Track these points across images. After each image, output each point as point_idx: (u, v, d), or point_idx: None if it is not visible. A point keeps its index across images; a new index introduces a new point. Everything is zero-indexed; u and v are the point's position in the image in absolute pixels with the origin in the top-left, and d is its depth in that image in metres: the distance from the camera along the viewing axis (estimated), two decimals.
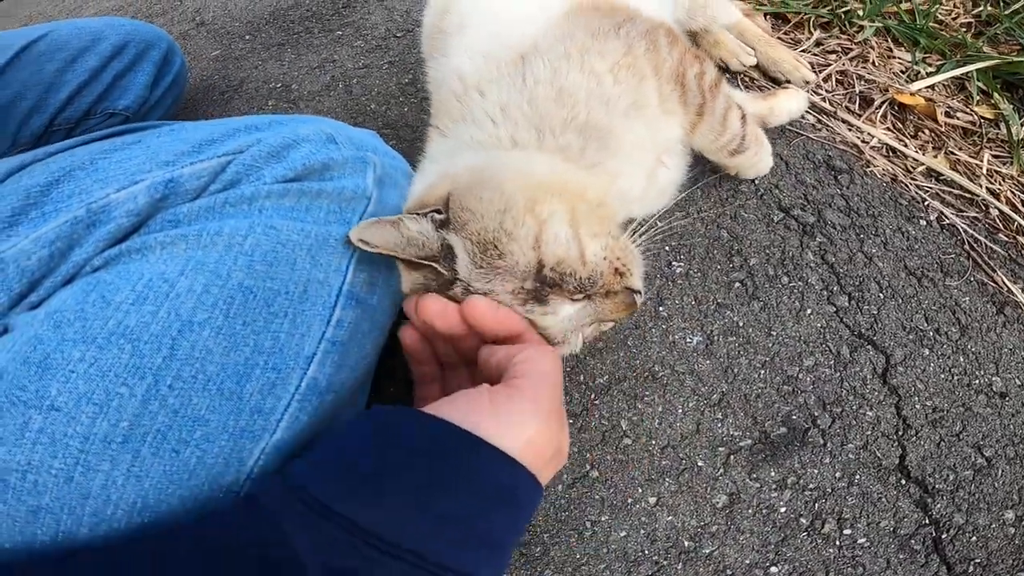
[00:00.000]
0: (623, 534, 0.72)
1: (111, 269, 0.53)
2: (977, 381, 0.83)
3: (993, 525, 0.74)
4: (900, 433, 0.78)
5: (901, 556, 0.71)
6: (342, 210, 0.62)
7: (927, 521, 0.73)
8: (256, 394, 0.50)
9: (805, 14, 1.26)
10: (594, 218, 0.63)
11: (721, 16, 1.10)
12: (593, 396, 0.80)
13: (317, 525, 0.40)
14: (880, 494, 0.75)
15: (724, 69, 1.16)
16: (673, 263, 0.88)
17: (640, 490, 0.74)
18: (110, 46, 1.06)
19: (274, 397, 0.51)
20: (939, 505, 0.74)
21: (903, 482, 0.76)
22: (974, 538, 0.73)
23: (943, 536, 0.72)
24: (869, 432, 0.78)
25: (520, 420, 0.48)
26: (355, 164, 0.66)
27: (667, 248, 0.89)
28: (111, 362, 0.47)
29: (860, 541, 0.72)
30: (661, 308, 0.86)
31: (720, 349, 0.83)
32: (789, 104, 1.01)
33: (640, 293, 0.64)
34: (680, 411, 0.79)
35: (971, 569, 0.71)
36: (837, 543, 0.72)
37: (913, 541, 0.72)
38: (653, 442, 0.77)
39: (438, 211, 0.60)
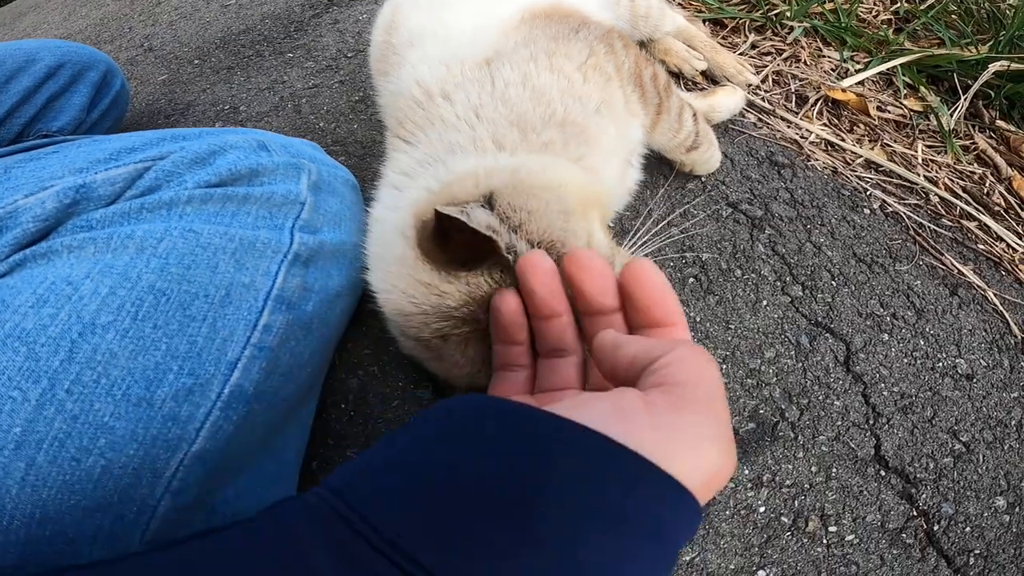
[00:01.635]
0: None
1: (15, 274, 0.51)
2: (941, 364, 0.82)
3: (985, 514, 0.72)
4: (871, 422, 0.77)
5: (894, 551, 0.69)
6: (272, 215, 0.61)
7: (915, 513, 0.71)
8: (170, 400, 0.47)
9: (740, 19, 1.31)
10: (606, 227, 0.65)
11: (663, 24, 1.13)
12: None
13: None
14: (860, 487, 0.72)
15: (678, 76, 1.19)
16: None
17: None
18: (44, 67, 1.04)
19: (191, 404, 0.48)
20: (924, 495, 0.72)
21: (882, 473, 0.73)
22: (968, 528, 0.70)
23: (935, 528, 0.70)
24: (839, 423, 0.76)
25: (698, 443, 0.34)
26: (287, 170, 0.65)
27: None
28: (4, 365, 0.44)
29: (848, 538, 0.69)
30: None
31: None
32: (728, 101, 1.04)
33: None
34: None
35: (971, 561, 0.68)
36: (824, 541, 0.69)
37: (904, 535, 0.70)
38: None
39: (482, 206, 0.55)
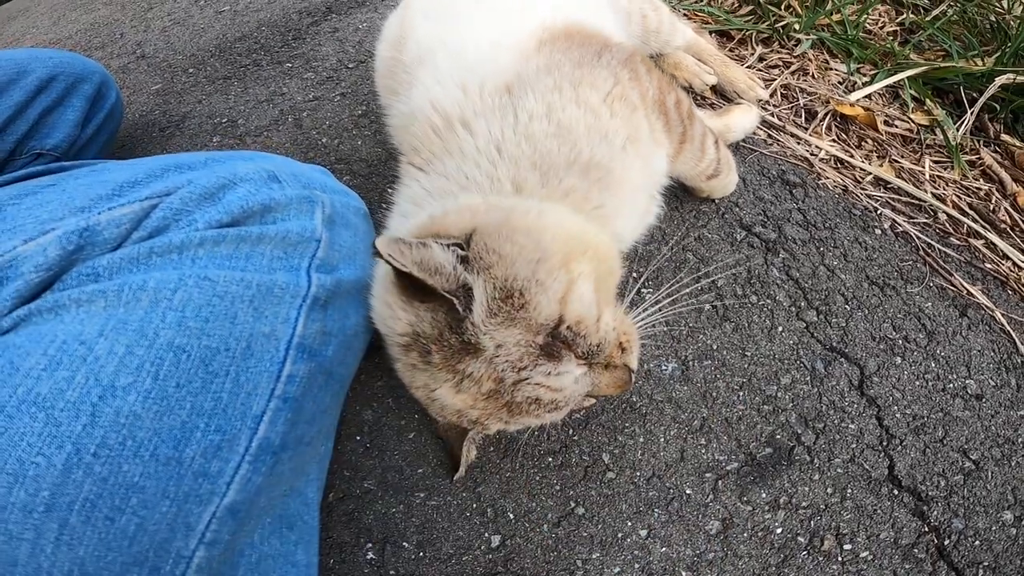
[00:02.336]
0: (617, 570, 0.69)
1: (21, 331, 0.48)
2: (951, 385, 0.83)
3: (993, 527, 0.73)
4: (885, 443, 0.78)
5: (907, 566, 0.70)
6: (288, 255, 0.59)
7: (927, 529, 0.72)
8: (199, 458, 0.47)
9: (747, 30, 1.29)
10: (608, 285, 0.62)
11: (674, 39, 1.12)
12: (571, 432, 0.77)
13: None
14: (875, 506, 0.74)
15: (687, 90, 1.17)
16: (643, 290, 0.86)
17: (630, 523, 0.71)
18: (36, 80, 0.98)
19: (220, 460, 0.48)
20: (936, 512, 0.73)
21: (895, 492, 0.75)
22: (977, 542, 0.72)
23: (946, 542, 0.71)
24: (854, 445, 0.77)
25: None
26: (301, 204, 0.62)
27: (635, 275, 0.88)
28: (22, 431, 0.43)
29: (863, 555, 0.70)
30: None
31: (696, 374, 0.81)
32: (743, 120, 1.03)
33: (634, 372, 0.61)
34: (662, 440, 0.77)
35: (980, 573, 0.70)
36: (840, 559, 0.70)
37: (916, 550, 0.71)
38: (638, 473, 0.74)
39: (460, 246, 0.56)
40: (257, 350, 0.52)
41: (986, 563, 0.70)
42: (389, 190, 1.01)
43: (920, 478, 0.76)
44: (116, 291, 0.50)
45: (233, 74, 1.40)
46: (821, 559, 0.70)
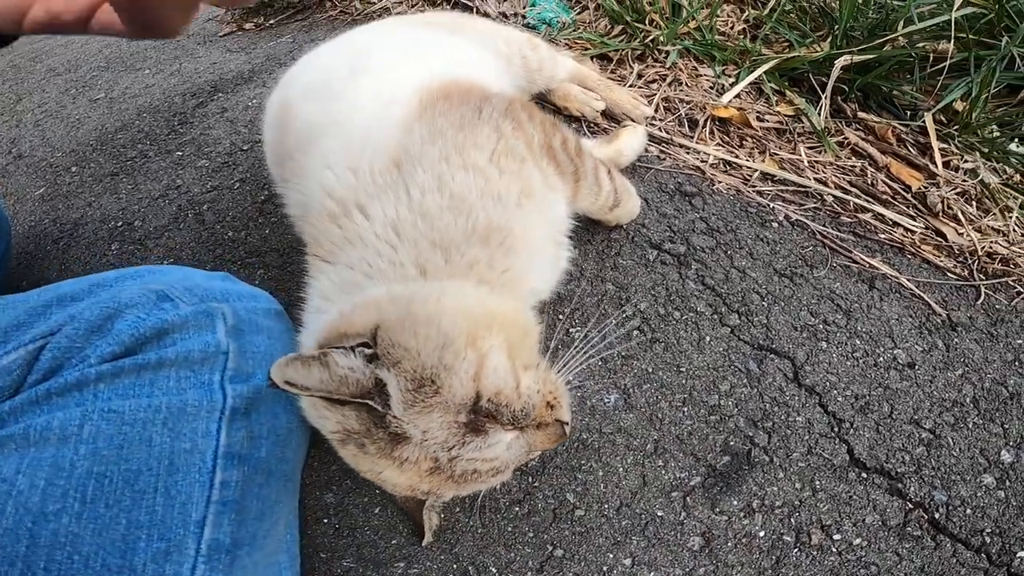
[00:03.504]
0: None
1: None
2: (882, 359, 0.84)
3: (979, 493, 0.74)
4: (836, 430, 0.78)
5: (907, 545, 0.70)
6: (196, 373, 0.58)
7: (911, 505, 0.73)
8: (151, 563, 0.49)
9: (622, 50, 1.35)
10: (524, 347, 0.62)
11: (557, 73, 1.14)
12: (531, 479, 0.75)
13: None
14: (848, 492, 0.74)
15: (580, 120, 1.19)
16: (570, 330, 0.84)
17: (611, 555, 0.70)
18: None
19: (173, 563, 0.50)
20: (912, 487, 0.74)
21: (864, 475, 0.75)
22: (968, 510, 0.72)
23: (936, 516, 0.72)
24: (807, 437, 0.77)
25: None
26: (199, 320, 0.60)
27: (561, 317, 0.86)
28: None
29: (856, 542, 0.70)
30: (571, 375, 0.82)
31: (639, 400, 0.80)
32: (632, 142, 1.05)
33: (568, 424, 0.61)
34: (621, 469, 0.75)
35: (987, 540, 0.70)
36: (834, 550, 0.69)
37: (909, 528, 0.71)
38: (606, 506, 0.73)
39: (366, 345, 0.56)
40: (182, 465, 0.53)
41: (988, 529, 0.71)
42: (305, 278, 0.97)
43: (883, 457, 0.76)
44: (23, 434, 0.51)
45: (120, 169, 1.30)
46: (815, 553, 0.69)
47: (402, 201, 0.64)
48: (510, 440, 0.58)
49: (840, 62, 1.14)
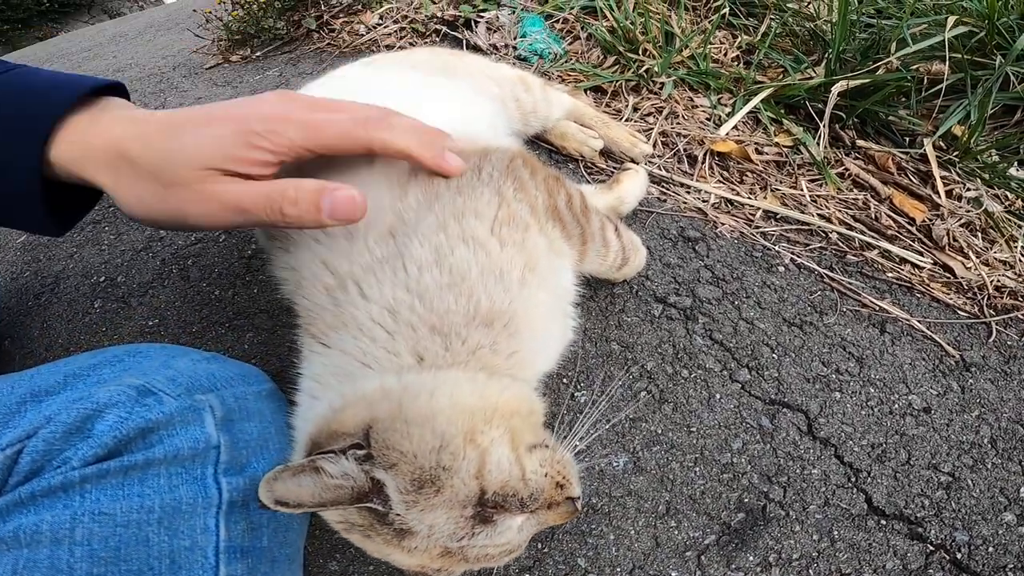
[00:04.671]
0: None
1: None
2: (897, 405, 0.82)
3: (1000, 531, 0.73)
4: (853, 479, 0.76)
5: None
6: (187, 469, 0.55)
7: (932, 548, 0.71)
8: None
9: (616, 81, 1.31)
10: (528, 427, 0.59)
11: (552, 113, 1.09)
12: (540, 545, 0.73)
13: None
14: (867, 540, 0.72)
15: (578, 160, 1.15)
16: (576, 393, 0.81)
17: None
18: None
19: None
20: (933, 530, 0.72)
21: (883, 522, 0.74)
22: (990, 548, 0.71)
23: (958, 556, 0.71)
24: (823, 488, 0.75)
25: None
26: (184, 415, 0.57)
27: (565, 380, 0.82)
28: None
29: None
30: (579, 442, 0.79)
31: (649, 462, 0.77)
32: (634, 187, 1.00)
33: (579, 498, 0.59)
34: (632, 532, 0.73)
35: (1011, 575, 0.70)
36: None
37: (931, 570, 0.70)
38: (618, 570, 0.71)
39: (359, 445, 0.54)
40: (184, 562, 0.52)
41: (1011, 565, 0.70)
42: (297, 342, 0.93)
43: (902, 503, 0.75)
44: (12, 536, 0.48)
45: (102, 216, 1.24)
46: None
47: (399, 279, 0.59)
48: (520, 523, 0.56)
49: (837, 88, 1.11)
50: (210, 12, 2.14)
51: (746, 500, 0.75)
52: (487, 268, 0.60)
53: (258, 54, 2.08)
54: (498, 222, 0.63)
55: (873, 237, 0.98)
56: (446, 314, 0.59)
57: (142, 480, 0.52)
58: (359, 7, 1.99)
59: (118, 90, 0.62)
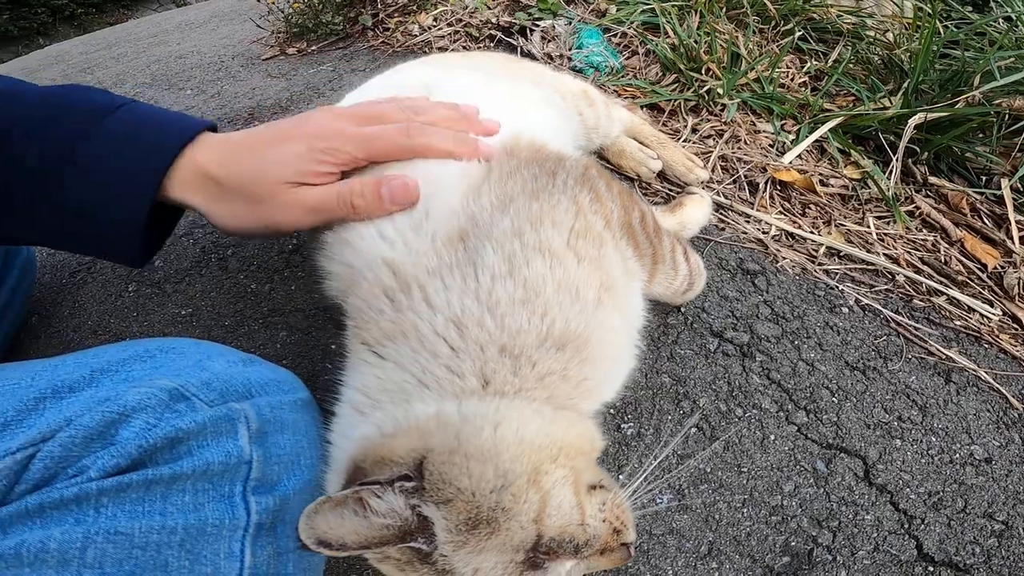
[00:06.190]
0: None
1: None
2: (958, 455, 0.80)
3: None
4: (906, 526, 0.75)
5: None
6: (215, 486, 0.51)
7: None
8: None
9: (674, 100, 1.29)
10: (589, 467, 0.57)
11: (612, 129, 1.09)
12: None
13: None
14: None
15: (633, 180, 1.14)
16: (622, 425, 0.81)
17: None
18: None
19: None
20: None
21: (931, 569, 0.72)
22: None
23: None
24: (875, 534, 0.74)
25: None
26: (218, 426, 0.53)
27: (612, 411, 0.82)
28: None
29: None
30: (621, 475, 0.79)
31: (694, 500, 0.76)
32: (697, 214, 0.98)
33: (633, 544, 0.56)
34: (671, 572, 0.72)
35: None
36: None
37: None
38: None
39: (407, 477, 0.50)
40: None
41: None
42: (332, 346, 0.91)
43: (952, 550, 0.73)
44: (13, 553, 0.43)
45: None
46: None
47: (469, 287, 0.56)
48: (569, 568, 0.53)
49: (914, 120, 1.07)
50: (272, 3, 2.20)
51: (793, 544, 0.74)
52: (563, 284, 0.57)
53: (313, 48, 2.12)
54: (574, 233, 0.60)
55: (941, 282, 0.95)
56: (518, 334, 0.55)
57: (165, 496, 0.49)
58: (414, 8, 2.02)
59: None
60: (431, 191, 0.63)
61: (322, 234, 0.68)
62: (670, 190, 1.12)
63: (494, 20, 1.80)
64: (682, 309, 0.92)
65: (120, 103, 0.64)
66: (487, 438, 0.52)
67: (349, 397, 0.61)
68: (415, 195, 0.62)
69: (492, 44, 1.72)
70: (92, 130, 0.61)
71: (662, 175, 1.14)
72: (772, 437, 0.80)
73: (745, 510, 0.76)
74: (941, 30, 1.22)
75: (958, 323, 0.93)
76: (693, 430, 0.80)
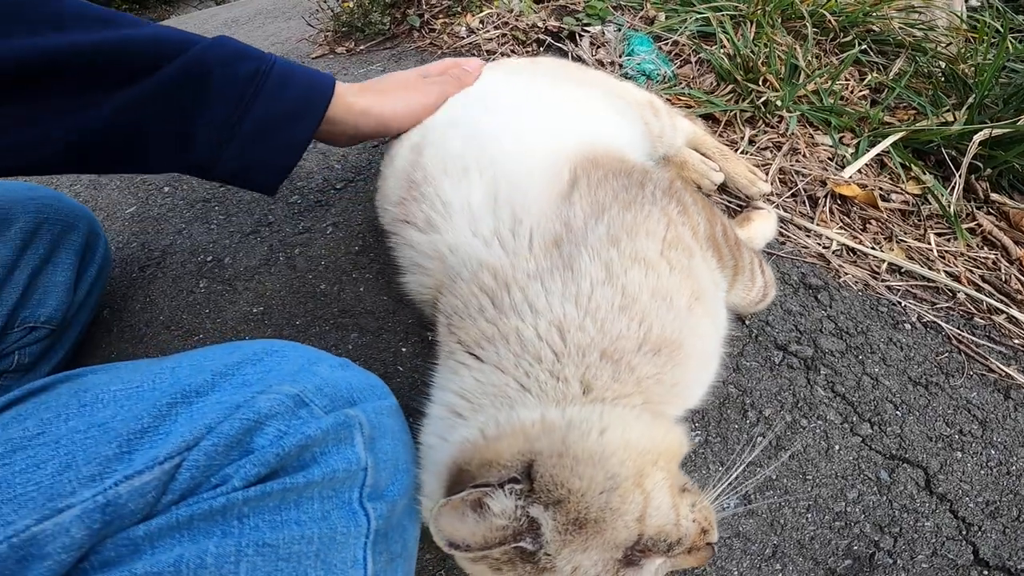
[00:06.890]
0: None
1: None
2: (1015, 467, 0.84)
3: None
4: (964, 532, 0.79)
5: None
6: (337, 493, 0.52)
7: None
8: None
9: (730, 111, 1.29)
10: (678, 471, 0.60)
11: (676, 140, 1.10)
12: None
13: None
14: None
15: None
16: (690, 432, 0.86)
17: None
18: (21, 232, 0.83)
19: None
20: None
21: (985, 572, 0.76)
22: None
23: None
24: (934, 539, 0.79)
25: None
26: (338, 433, 0.54)
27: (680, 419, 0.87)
28: None
29: None
30: (724, 491, 0.83)
31: (760, 506, 0.81)
32: (764, 229, 1.00)
33: (716, 544, 0.60)
34: (736, 572, 0.76)
35: None
36: None
37: None
38: None
39: (515, 479, 0.53)
40: None
41: None
42: (403, 348, 0.96)
43: (1006, 556, 0.77)
44: (173, 569, 0.44)
45: (212, 195, 1.27)
46: None
47: (569, 292, 0.58)
48: (658, 565, 0.57)
49: (979, 136, 1.07)
50: (323, 0, 2.22)
51: (855, 548, 0.78)
52: (657, 292, 0.59)
53: (362, 48, 2.11)
54: (667, 244, 0.62)
55: (1002, 300, 0.98)
56: (618, 339, 0.57)
57: (297, 504, 0.49)
58: (458, 9, 2.03)
59: None
60: (518, 194, 0.64)
61: (411, 230, 0.71)
62: (729, 202, 1.16)
63: (540, 24, 1.82)
64: (747, 322, 0.97)
65: (273, 59, 0.78)
66: (594, 442, 0.55)
67: (444, 399, 0.62)
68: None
69: (541, 49, 1.74)
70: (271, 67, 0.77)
71: (723, 187, 1.16)
72: (837, 447, 0.85)
73: (809, 515, 0.80)
74: (1010, 46, 1.21)
75: (1017, 341, 0.96)
76: (759, 439, 0.85)
